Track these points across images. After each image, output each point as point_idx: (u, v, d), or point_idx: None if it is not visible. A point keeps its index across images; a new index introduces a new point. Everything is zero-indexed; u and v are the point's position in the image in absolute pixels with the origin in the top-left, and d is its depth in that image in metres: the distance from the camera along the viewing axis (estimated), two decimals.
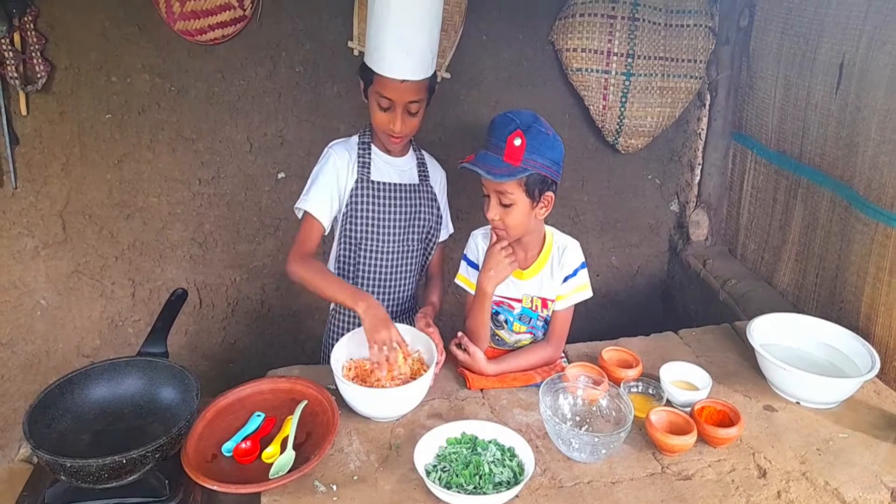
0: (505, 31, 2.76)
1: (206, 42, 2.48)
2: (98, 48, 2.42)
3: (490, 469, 1.43)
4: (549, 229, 1.91)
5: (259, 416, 1.59)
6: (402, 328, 1.82)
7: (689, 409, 1.67)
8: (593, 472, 1.51)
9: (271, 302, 2.93)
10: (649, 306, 3.38)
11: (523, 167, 1.64)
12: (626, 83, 2.78)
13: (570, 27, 2.70)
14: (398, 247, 1.99)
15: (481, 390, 1.80)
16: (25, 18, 2.29)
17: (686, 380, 1.80)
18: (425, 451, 1.48)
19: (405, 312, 2.11)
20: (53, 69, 2.39)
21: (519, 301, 1.90)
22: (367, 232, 1.93)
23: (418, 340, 1.82)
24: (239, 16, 2.46)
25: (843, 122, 2.21)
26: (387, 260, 1.99)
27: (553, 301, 1.89)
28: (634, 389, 1.77)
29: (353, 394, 1.61)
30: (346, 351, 1.78)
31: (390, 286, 2.03)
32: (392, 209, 1.95)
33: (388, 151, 1.96)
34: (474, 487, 1.39)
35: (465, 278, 1.95)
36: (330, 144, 1.96)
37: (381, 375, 1.66)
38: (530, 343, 1.95)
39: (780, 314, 2.05)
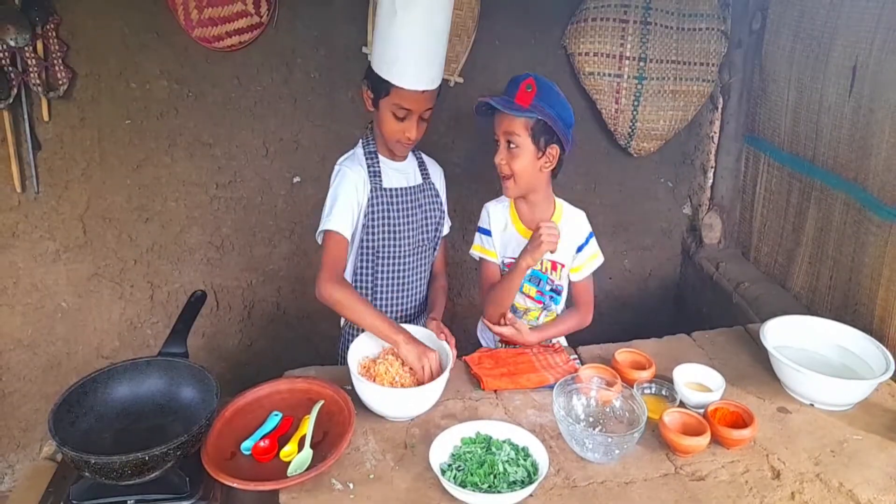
0: (517, 35, 2.79)
1: (223, 48, 2.52)
2: (118, 55, 2.47)
3: (504, 468, 1.45)
4: (559, 200, 2.03)
5: (277, 415, 1.62)
6: (416, 330, 1.85)
7: (702, 411, 1.67)
8: (607, 473, 1.52)
9: (287, 304, 2.96)
10: (662, 309, 3.38)
11: (532, 109, 1.78)
12: (639, 87, 2.79)
13: (582, 31, 2.72)
14: (413, 249, 2.02)
15: (495, 391, 1.82)
16: (48, 27, 2.34)
17: (699, 381, 1.81)
18: (440, 451, 1.50)
19: (420, 314, 2.13)
20: (75, 76, 2.44)
21: None
22: (385, 239, 1.96)
23: (431, 342, 1.84)
24: (255, 22, 2.50)
25: (856, 125, 2.21)
26: (403, 264, 2.02)
27: (563, 266, 2.00)
28: (647, 391, 1.78)
29: (370, 392, 1.63)
30: (363, 349, 1.80)
31: (407, 289, 2.06)
32: (406, 213, 1.98)
33: (392, 158, 1.99)
34: (489, 486, 1.41)
35: (480, 247, 2.06)
36: (339, 162, 1.97)
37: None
38: (556, 315, 2.08)
39: (793, 316, 2.05)
